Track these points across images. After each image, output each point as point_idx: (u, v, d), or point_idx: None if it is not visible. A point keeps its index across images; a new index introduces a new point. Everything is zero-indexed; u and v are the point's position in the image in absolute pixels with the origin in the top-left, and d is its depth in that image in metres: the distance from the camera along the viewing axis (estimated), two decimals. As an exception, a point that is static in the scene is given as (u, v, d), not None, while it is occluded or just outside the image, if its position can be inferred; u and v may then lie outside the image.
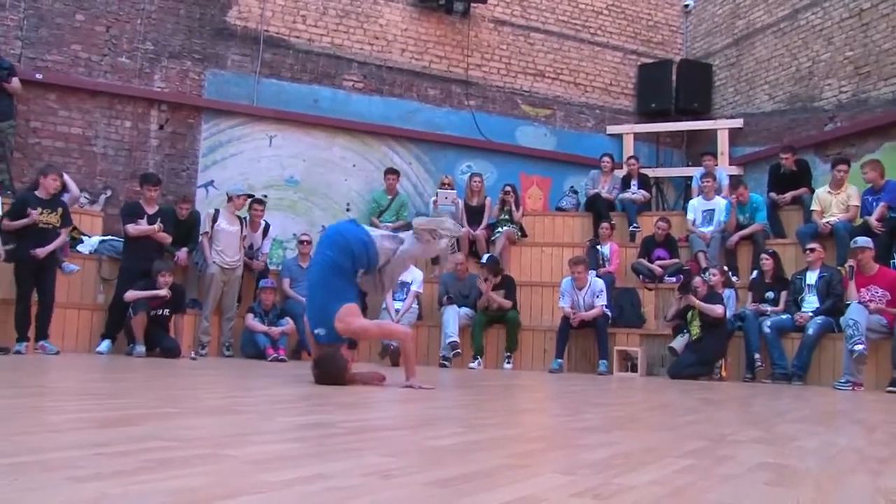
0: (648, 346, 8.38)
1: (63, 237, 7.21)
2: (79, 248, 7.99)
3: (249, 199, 8.67)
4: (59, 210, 7.08)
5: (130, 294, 7.25)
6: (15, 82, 8.26)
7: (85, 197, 8.84)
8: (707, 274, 8.00)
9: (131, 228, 7.60)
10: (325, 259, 4.63)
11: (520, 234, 10.01)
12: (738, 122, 11.22)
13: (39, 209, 6.91)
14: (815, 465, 2.31)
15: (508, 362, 8.47)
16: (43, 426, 2.44)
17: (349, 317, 4.54)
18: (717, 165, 10.30)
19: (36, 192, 7.08)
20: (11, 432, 2.28)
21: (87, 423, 2.53)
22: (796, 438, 2.94)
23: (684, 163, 11.91)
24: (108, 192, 9.09)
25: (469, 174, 10.39)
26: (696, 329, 7.58)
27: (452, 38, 11.23)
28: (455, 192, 9.86)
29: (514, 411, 4.00)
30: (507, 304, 8.53)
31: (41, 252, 6.84)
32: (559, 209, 11.03)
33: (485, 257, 8.97)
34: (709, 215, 9.31)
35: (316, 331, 4.64)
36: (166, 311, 7.48)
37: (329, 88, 10.42)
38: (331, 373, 4.55)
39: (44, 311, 6.97)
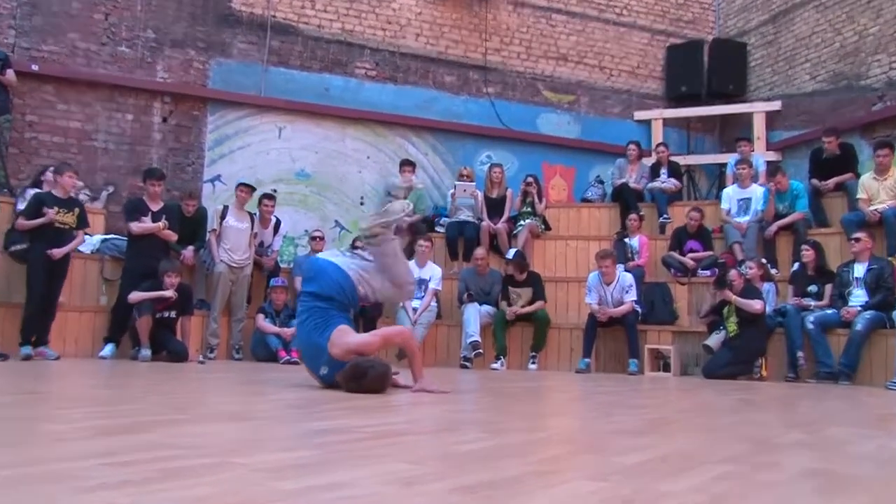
0: (681, 344, 8.33)
1: (80, 239, 7.27)
2: (80, 247, 8.03)
3: (254, 192, 8.67)
4: (76, 210, 7.13)
5: (135, 296, 7.29)
6: (10, 74, 8.29)
7: (86, 194, 8.90)
8: (744, 267, 7.92)
9: (135, 226, 7.65)
10: (305, 303, 4.70)
11: (543, 227, 9.98)
12: (775, 105, 11.10)
13: (56, 208, 6.94)
14: (869, 470, 2.27)
15: (533, 362, 8.45)
16: (46, 435, 2.46)
17: (341, 339, 4.51)
18: (753, 151, 10.20)
19: (53, 192, 7.13)
20: (13, 442, 2.29)
21: (92, 431, 2.54)
22: (847, 442, 2.90)
23: (717, 149, 11.81)
24: (110, 189, 9.15)
25: (489, 165, 10.36)
26: (732, 326, 7.52)
27: (469, 21, 11.20)
28: (474, 184, 9.85)
29: (540, 414, 3.99)
30: (539, 306, 8.52)
31: (58, 252, 6.89)
32: (584, 200, 10.98)
33: (510, 252, 8.93)
34: (745, 204, 9.23)
35: (320, 373, 4.63)
36: (173, 313, 7.52)
37: (340, 77, 10.42)
38: (381, 382, 4.44)
39: (48, 316, 7.01)
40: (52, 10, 9.03)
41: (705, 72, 11.73)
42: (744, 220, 9.11)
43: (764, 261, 8.35)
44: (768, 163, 10.23)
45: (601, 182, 11.11)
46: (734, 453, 2.46)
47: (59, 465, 1.91)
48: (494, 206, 9.82)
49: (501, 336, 8.43)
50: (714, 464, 2.23)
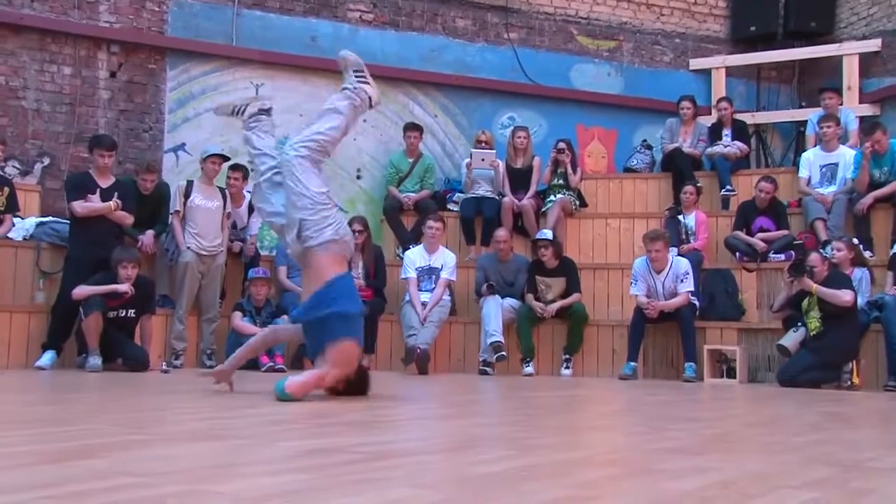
0: (750, 345, 8.29)
1: (8, 223, 7.28)
2: (9, 234, 8.03)
3: (226, 163, 8.67)
4: (5, 189, 7.14)
5: (80, 290, 7.29)
6: None
7: (14, 167, 8.89)
8: (829, 249, 7.87)
9: (79, 206, 7.65)
10: None
11: (578, 203, 9.95)
12: (873, 45, 10.92)
13: None
14: None
15: (567, 367, 8.45)
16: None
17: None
18: (841, 105, 10.11)
19: None
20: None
21: (31, 457, 2.55)
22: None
23: (795, 104, 11.71)
24: (46, 161, 9.14)
25: (511, 128, 10.32)
26: (814, 322, 7.48)
27: (486, -50, 11.15)
28: (494, 152, 9.83)
29: (576, 429, 4.00)
30: (575, 299, 8.53)
31: None
32: (628, 170, 10.94)
33: (541, 233, 8.89)
34: (830, 171, 9.18)
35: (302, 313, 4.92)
36: (130, 312, 7.54)
37: (329, 22, 10.40)
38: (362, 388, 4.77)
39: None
40: (-39, -68, 8.99)
41: (782, 6, 11.61)
42: (829, 191, 9.04)
43: (855, 241, 8.29)
44: (861, 119, 10.10)
45: (649, 147, 11.06)
46: (820, 478, 2.45)
47: (-8, 496, 1.92)
48: (519, 179, 9.80)
49: (528, 335, 8.44)
50: (794, 489, 2.23)
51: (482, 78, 10.95)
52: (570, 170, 9.79)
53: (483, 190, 9.71)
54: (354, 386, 4.76)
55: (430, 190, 9.96)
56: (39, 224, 8.28)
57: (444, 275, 8.58)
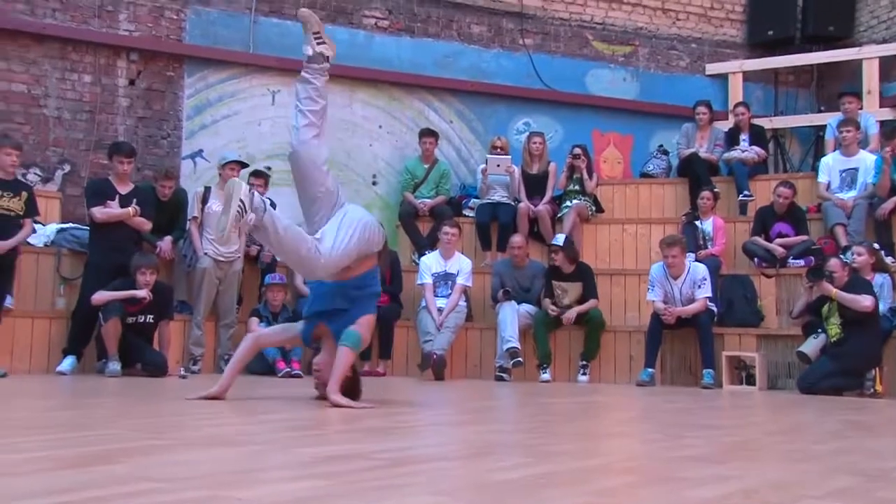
0: (769, 351, 8.26)
1: (28, 229, 7.31)
2: (30, 239, 8.08)
3: (245, 170, 8.70)
4: (24, 194, 7.17)
5: (100, 296, 7.34)
6: None
7: (36, 174, 8.96)
8: (849, 254, 7.82)
9: (98, 212, 7.70)
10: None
11: (594, 208, 9.94)
12: (893, 48, 10.84)
13: None
14: None
15: (584, 374, 8.44)
16: (-6, 467, 2.48)
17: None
18: (861, 109, 10.06)
19: None
20: (-45, 475, 2.31)
21: (50, 462, 2.56)
22: None
23: (814, 108, 11.66)
24: (66, 168, 9.21)
25: (526, 134, 10.32)
26: (835, 328, 7.43)
27: (501, -44, 11.15)
28: (509, 157, 9.81)
29: (593, 436, 3.99)
30: (592, 305, 8.51)
31: (1, 246, 6.95)
32: (644, 175, 10.91)
33: (558, 238, 8.87)
34: (850, 176, 9.14)
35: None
36: (149, 318, 7.58)
37: (345, 28, 10.42)
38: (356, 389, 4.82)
39: (-10, 323, 7.07)
40: (-16, -56, 9.08)
41: (799, 10, 11.56)
42: (849, 196, 9.00)
43: (876, 246, 8.25)
44: (882, 123, 10.04)
45: (665, 153, 11.03)
46: (842, 487, 2.43)
47: None
48: (534, 184, 9.79)
49: (544, 341, 8.42)
50: (816, 499, 2.21)
51: (497, 84, 10.96)
52: (585, 175, 9.78)
53: (499, 196, 9.70)
54: (349, 387, 4.74)
55: (445, 196, 9.97)
56: (60, 230, 8.34)
57: (459, 280, 8.59)
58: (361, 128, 10.40)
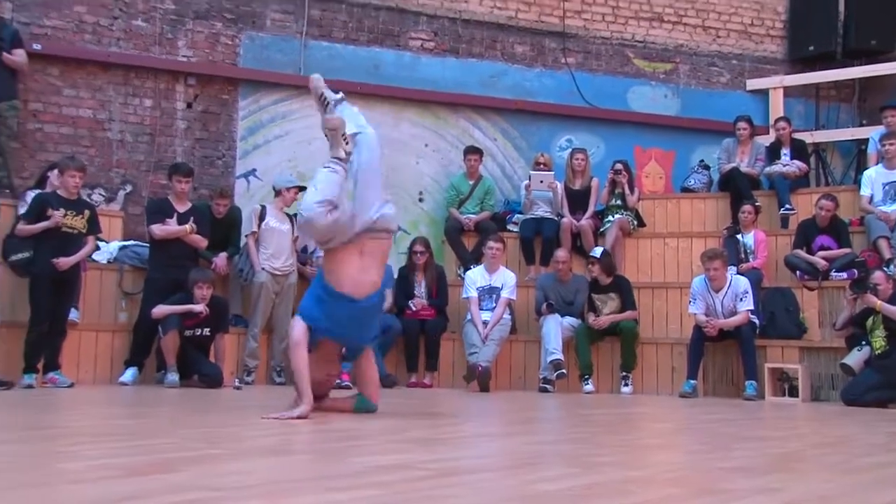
0: (812, 363, 8.14)
1: (91, 245, 7.44)
2: (95, 256, 8.23)
3: (300, 192, 8.78)
4: (86, 213, 7.30)
5: (159, 310, 7.44)
6: (19, 54, 8.45)
7: (100, 194, 9.13)
8: (892, 267, 7.69)
9: (157, 229, 7.82)
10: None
11: (636, 222, 9.87)
12: (937, 61, 10.70)
13: (62, 210, 7.08)
14: None
15: (626, 384, 8.37)
16: (59, 476, 2.52)
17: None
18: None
19: (58, 192, 7.31)
20: (21, 483, 2.35)
21: (113, 470, 2.60)
22: None
23: (856, 122, 11.48)
24: (128, 188, 9.36)
25: (569, 150, 10.28)
26: (879, 341, 7.30)
27: (544, -22, 11.15)
28: (552, 173, 9.79)
29: (637, 447, 3.95)
30: (628, 316, 8.47)
31: (65, 262, 7.05)
32: (686, 190, 10.81)
33: (595, 250, 8.86)
34: (893, 189, 9.00)
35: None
36: (206, 331, 7.66)
37: (392, 50, 10.48)
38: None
39: (57, 337, 7.16)
40: (54, -22, 9.27)
41: (840, 25, 11.38)
42: (892, 208, 8.84)
43: (921, 258, 8.11)
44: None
45: (706, 168, 10.91)
46: (889, 500, 2.38)
47: (77, 509, 1.95)
48: (577, 200, 9.75)
49: (586, 352, 8.38)
50: (859, 510, 2.17)
51: (540, 102, 10.93)
52: (627, 190, 9.73)
53: (542, 211, 9.68)
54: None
55: (490, 211, 9.96)
56: (122, 247, 8.48)
57: (504, 294, 8.56)
58: (408, 146, 10.44)
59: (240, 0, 9.98)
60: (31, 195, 7.61)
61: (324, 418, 4.67)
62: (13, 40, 8.46)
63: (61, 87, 9.20)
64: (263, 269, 8.29)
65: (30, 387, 6.76)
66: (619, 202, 9.73)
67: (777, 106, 11.27)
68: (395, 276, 9.03)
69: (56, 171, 7.55)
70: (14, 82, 8.56)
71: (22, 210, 7.53)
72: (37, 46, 8.88)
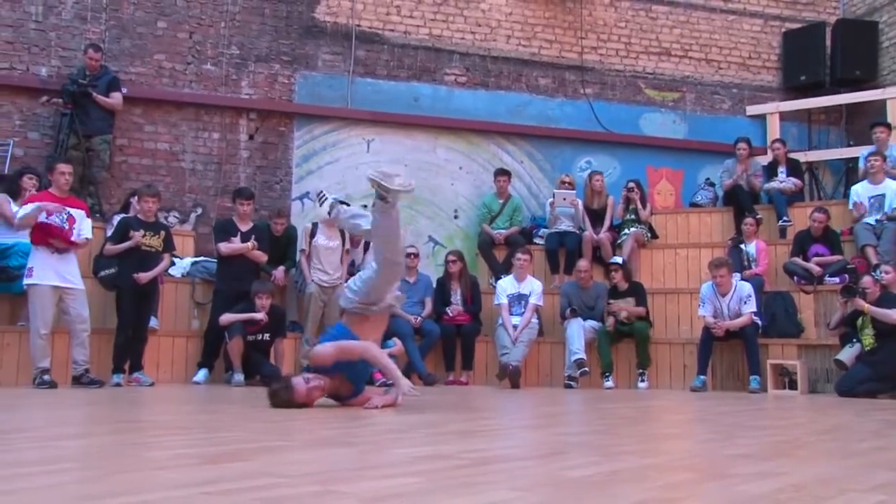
0: (809, 359, 8.08)
1: (166, 262, 7.61)
2: (171, 271, 8.38)
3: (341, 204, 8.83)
4: (162, 233, 7.47)
5: (225, 317, 7.54)
6: (115, 97, 8.70)
7: (175, 217, 9.28)
8: (878, 272, 7.59)
9: (223, 247, 7.92)
10: None
11: (649, 235, 9.83)
12: (914, 89, 10.56)
13: (142, 231, 7.29)
14: None
15: (643, 380, 8.33)
16: (145, 464, 2.56)
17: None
18: (889, 139, 9.75)
19: (138, 216, 7.51)
20: (112, 471, 2.39)
21: (192, 459, 2.63)
22: None
23: (844, 143, 11.36)
24: (199, 210, 9.49)
25: (588, 172, 10.27)
26: (869, 338, 7.22)
27: (563, 18, 11.15)
28: (574, 192, 9.78)
29: (654, 436, 3.92)
30: (641, 311, 8.45)
31: (144, 276, 7.21)
32: (694, 205, 10.75)
33: (613, 259, 8.93)
34: (878, 202, 8.89)
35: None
36: (266, 336, 7.73)
37: (429, 85, 10.54)
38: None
39: (139, 342, 7.34)
40: (138, 31, 9.47)
41: (828, 57, 11.31)
42: (875, 219, 8.73)
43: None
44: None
45: (711, 185, 10.85)
46: (885, 481, 2.35)
47: (159, 495, 1.98)
48: (596, 217, 9.74)
49: (607, 352, 8.36)
50: (862, 492, 2.14)
51: (562, 128, 10.93)
52: (639, 205, 9.73)
53: (565, 225, 9.65)
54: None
55: (518, 226, 9.95)
56: (194, 263, 8.62)
57: (532, 300, 8.55)
58: (444, 169, 10.47)
59: (295, 44, 10.09)
60: (116, 219, 7.80)
61: (372, 413, 4.68)
62: (109, 85, 8.67)
63: (143, 124, 9.38)
64: (313, 281, 8.34)
65: (118, 385, 6.99)
66: (633, 216, 9.74)
67: (774, 129, 11.21)
68: (434, 285, 9.05)
69: (136, 198, 7.72)
70: (109, 120, 8.77)
71: (109, 232, 7.70)
72: (123, 90, 9.08)
